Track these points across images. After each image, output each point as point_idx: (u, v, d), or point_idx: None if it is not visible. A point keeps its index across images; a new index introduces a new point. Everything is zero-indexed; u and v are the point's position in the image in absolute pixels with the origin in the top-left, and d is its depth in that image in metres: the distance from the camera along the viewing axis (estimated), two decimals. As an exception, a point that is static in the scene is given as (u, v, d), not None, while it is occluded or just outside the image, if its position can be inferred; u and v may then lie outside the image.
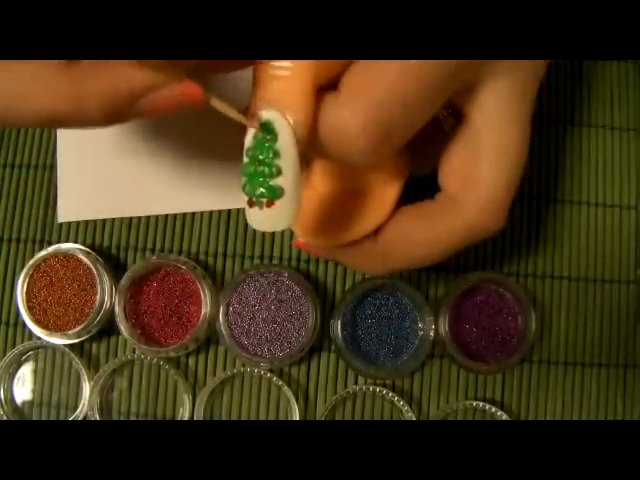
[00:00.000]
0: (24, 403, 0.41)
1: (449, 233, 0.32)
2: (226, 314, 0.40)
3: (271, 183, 0.27)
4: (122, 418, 0.41)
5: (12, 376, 0.41)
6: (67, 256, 0.40)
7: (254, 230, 0.42)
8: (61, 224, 0.42)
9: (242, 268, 0.42)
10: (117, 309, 0.40)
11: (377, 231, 0.33)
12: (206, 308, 0.40)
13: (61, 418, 0.41)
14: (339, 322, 0.40)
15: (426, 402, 0.41)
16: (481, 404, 0.40)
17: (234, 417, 0.41)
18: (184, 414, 0.40)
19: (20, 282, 0.40)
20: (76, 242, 0.42)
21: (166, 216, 0.42)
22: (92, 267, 0.40)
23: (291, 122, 0.26)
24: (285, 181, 0.27)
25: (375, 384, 0.41)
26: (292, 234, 0.42)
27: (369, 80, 0.27)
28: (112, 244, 0.42)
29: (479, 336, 0.41)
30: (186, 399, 0.40)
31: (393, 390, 0.40)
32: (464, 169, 0.31)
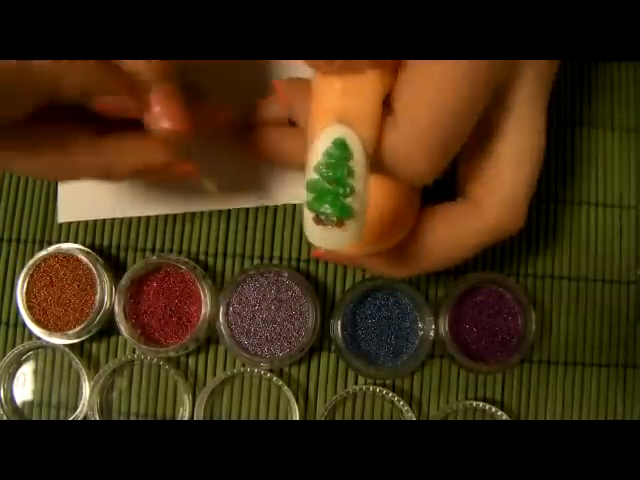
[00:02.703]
0: (24, 403, 0.41)
1: (473, 235, 0.32)
2: (226, 314, 0.40)
3: (345, 203, 0.26)
4: (122, 418, 0.41)
5: (12, 376, 0.41)
6: (67, 256, 0.40)
7: (254, 230, 0.42)
8: (61, 224, 0.42)
9: (242, 268, 0.42)
10: (117, 309, 0.40)
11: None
12: (206, 308, 0.40)
13: (61, 418, 0.41)
14: (339, 322, 0.40)
15: (426, 402, 0.41)
16: (481, 404, 0.40)
17: (234, 417, 0.41)
18: (184, 414, 0.40)
19: (20, 282, 0.40)
20: (76, 242, 0.42)
21: (166, 216, 0.42)
22: (92, 267, 0.40)
23: (363, 140, 0.26)
24: (357, 201, 0.26)
25: (375, 384, 0.41)
26: (292, 233, 0.42)
27: (416, 98, 0.27)
28: (112, 244, 0.42)
29: (479, 336, 0.41)
30: (186, 399, 0.40)
31: (393, 390, 0.40)
32: (485, 172, 0.32)
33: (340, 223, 0.26)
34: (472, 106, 0.27)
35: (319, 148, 0.26)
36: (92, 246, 0.42)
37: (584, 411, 0.41)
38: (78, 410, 0.40)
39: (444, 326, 0.39)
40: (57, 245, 0.41)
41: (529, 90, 0.30)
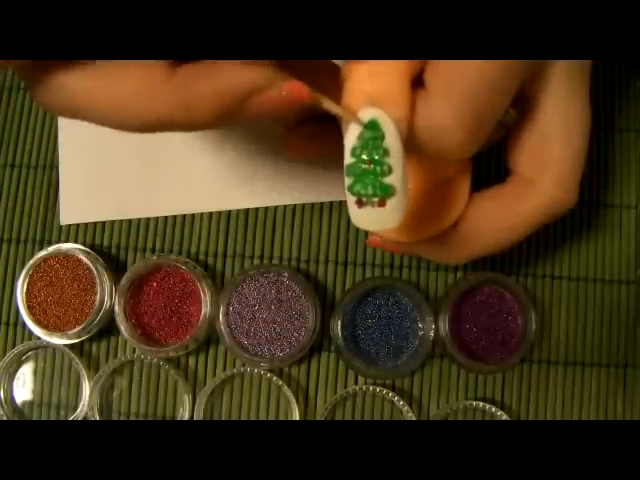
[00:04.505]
0: (24, 403, 0.41)
1: (529, 214, 0.32)
2: (226, 314, 0.40)
3: (384, 182, 0.27)
4: (122, 418, 0.41)
5: (12, 376, 0.41)
6: (67, 256, 0.40)
7: (254, 230, 0.42)
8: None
9: (242, 268, 0.42)
10: (117, 309, 0.40)
11: (456, 221, 0.33)
12: (206, 308, 0.40)
13: (61, 418, 0.41)
14: (339, 322, 0.40)
15: (426, 402, 0.41)
16: (481, 404, 0.40)
17: (234, 417, 0.41)
18: (184, 414, 0.40)
19: (20, 282, 0.40)
20: (76, 242, 0.42)
21: (166, 216, 0.42)
22: (92, 267, 0.40)
23: (394, 119, 0.26)
24: (395, 179, 0.27)
25: (375, 384, 0.41)
26: (292, 233, 0.42)
27: (455, 71, 0.27)
28: (112, 244, 0.42)
29: (479, 336, 0.41)
30: (186, 399, 0.40)
31: (393, 390, 0.40)
32: (535, 150, 0.32)
33: (382, 202, 0.27)
34: (503, 86, 0.28)
35: (353, 132, 0.27)
36: (92, 246, 0.42)
37: (584, 411, 0.41)
38: (78, 410, 0.40)
39: (444, 326, 0.39)
40: (57, 245, 0.41)
41: (570, 72, 0.31)
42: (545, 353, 0.42)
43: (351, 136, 0.27)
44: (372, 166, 0.27)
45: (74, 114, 0.26)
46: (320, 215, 0.42)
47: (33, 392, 0.41)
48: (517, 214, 0.33)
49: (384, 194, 0.27)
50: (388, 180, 0.27)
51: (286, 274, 0.40)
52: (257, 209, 0.42)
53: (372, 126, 0.26)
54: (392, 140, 0.26)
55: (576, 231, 0.43)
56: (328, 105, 0.27)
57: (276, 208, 0.42)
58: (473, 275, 0.41)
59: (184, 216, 0.42)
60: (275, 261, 0.42)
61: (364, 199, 0.27)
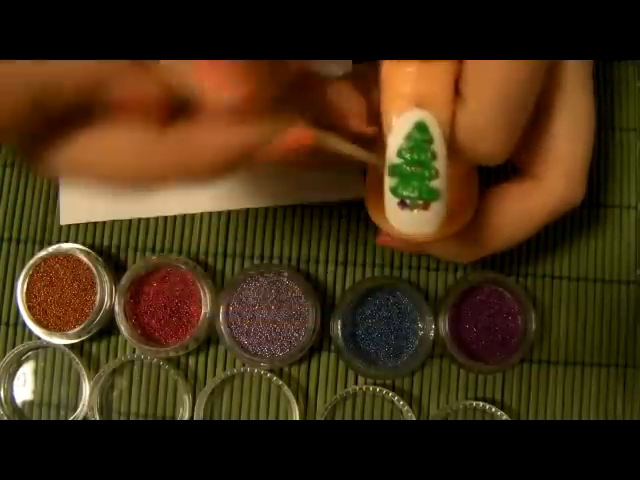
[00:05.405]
0: (24, 403, 0.41)
1: (541, 210, 0.33)
2: (226, 314, 0.40)
3: (430, 185, 0.26)
4: (122, 418, 0.41)
5: (12, 376, 0.41)
6: (67, 256, 0.40)
7: (254, 230, 0.42)
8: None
9: (242, 268, 0.42)
10: (117, 309, 0.40)
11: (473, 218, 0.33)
12: (206, 308, 0.40)
13: (61, 418, 0.41)
14: (339, 322, 0.40)
15: (426, 402, 0.41)
16: (481, 404, 0.40)
17: (234, 417, 0.41)
18: (184, 414, 0.40)
19: (20, 282, 0.40)
20: (76, 242, 0.42)
21: (166, 216, 0.42)
22: (92, 267, 0.40)
23: (439, 122, 0.26)
24: (441, 183, 0.26)
25: (375, 384, 0.41)
26: (292, 233, 0.42)
27: (488, 74, 0.27)
28: (112, 244, 0.42)
29: (479, 336, 0.41)
30: (186, 399, 0.40)
31: (393, 390, 0.40)
32: (543, 149, 0.32)
33: (426, 206, 0.27)
34: (532, 84, 0.28)
35: (399, 132, 0.26)
36: (92, 246, 0.42)
37: (584, 411, 0.41)
38: (78, 410, 0.40)
39: (444, 326, 0.39)
40: (57, 245, 0.41)
41: (575, 70, 0.31)
42: (545, 353, 0.42)
43: (398, 136, 0.26)
44: (420, 169, 0.26)
45: (70, 179, 0.27)
46: (320, 215, 0.42)
47: (33, 392, 0.41)
48: (528, 210, 0.33)
49: (430, 198, 0.26)
50: (434, 184, 0.26)
51: (286, 274, 0.40)
52: (257, 209, 0.42)
53: (421, 128, 0.26)
54: (439, 143, 0.26)
55: (576, 231, 0.43)
56: (336, 144, 0.27)
57: (276, 208, 0.42)
58: (473, 275, 0.41)
59: (184, 216, 0.42)
60: (275, 261, 0.42)
61: (408, 201, 0.27)
